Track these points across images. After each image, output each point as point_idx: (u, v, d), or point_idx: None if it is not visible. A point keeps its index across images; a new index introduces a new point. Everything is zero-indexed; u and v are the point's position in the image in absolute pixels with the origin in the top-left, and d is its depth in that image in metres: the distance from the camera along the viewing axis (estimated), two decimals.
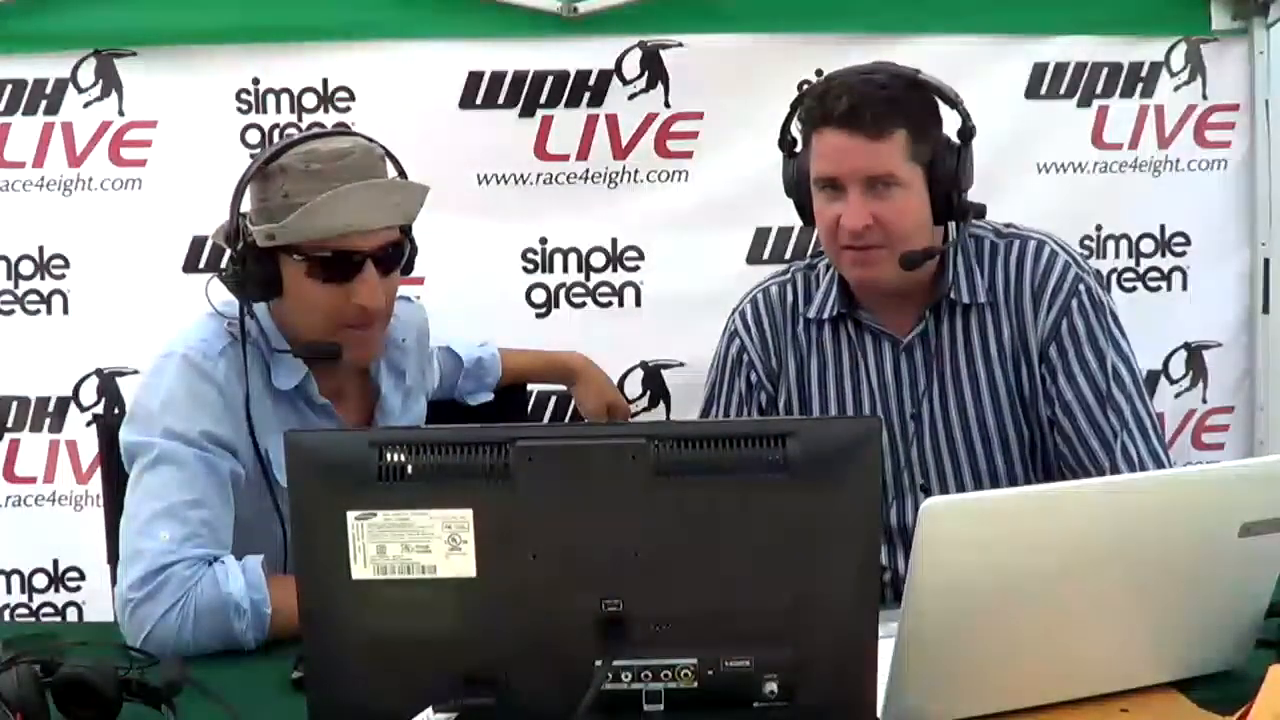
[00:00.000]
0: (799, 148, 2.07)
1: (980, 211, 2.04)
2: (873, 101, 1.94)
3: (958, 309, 2.08)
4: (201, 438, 1.85)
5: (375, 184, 1.89)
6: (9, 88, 2.92)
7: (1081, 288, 2.05)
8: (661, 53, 2.97)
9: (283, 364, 1.96)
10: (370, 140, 1.96)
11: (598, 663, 1.34)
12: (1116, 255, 3.08)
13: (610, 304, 3.06)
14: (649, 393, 3.06)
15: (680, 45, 2.97)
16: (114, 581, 1.89)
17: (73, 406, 2.98)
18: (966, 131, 2.01)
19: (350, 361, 1.99)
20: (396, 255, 1.94)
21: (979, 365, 2.08)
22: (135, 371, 2.91)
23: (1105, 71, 3.01)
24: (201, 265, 2.95)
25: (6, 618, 3.00)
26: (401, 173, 2.01)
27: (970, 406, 2.09)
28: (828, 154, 1.98)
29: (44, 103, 2.93)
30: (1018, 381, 2.07)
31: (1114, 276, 3.05)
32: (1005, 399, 2.08)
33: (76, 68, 2.92)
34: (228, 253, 1.92)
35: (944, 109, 2.04)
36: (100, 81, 2.92)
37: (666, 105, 2.99)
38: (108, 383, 2.98)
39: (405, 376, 2.14)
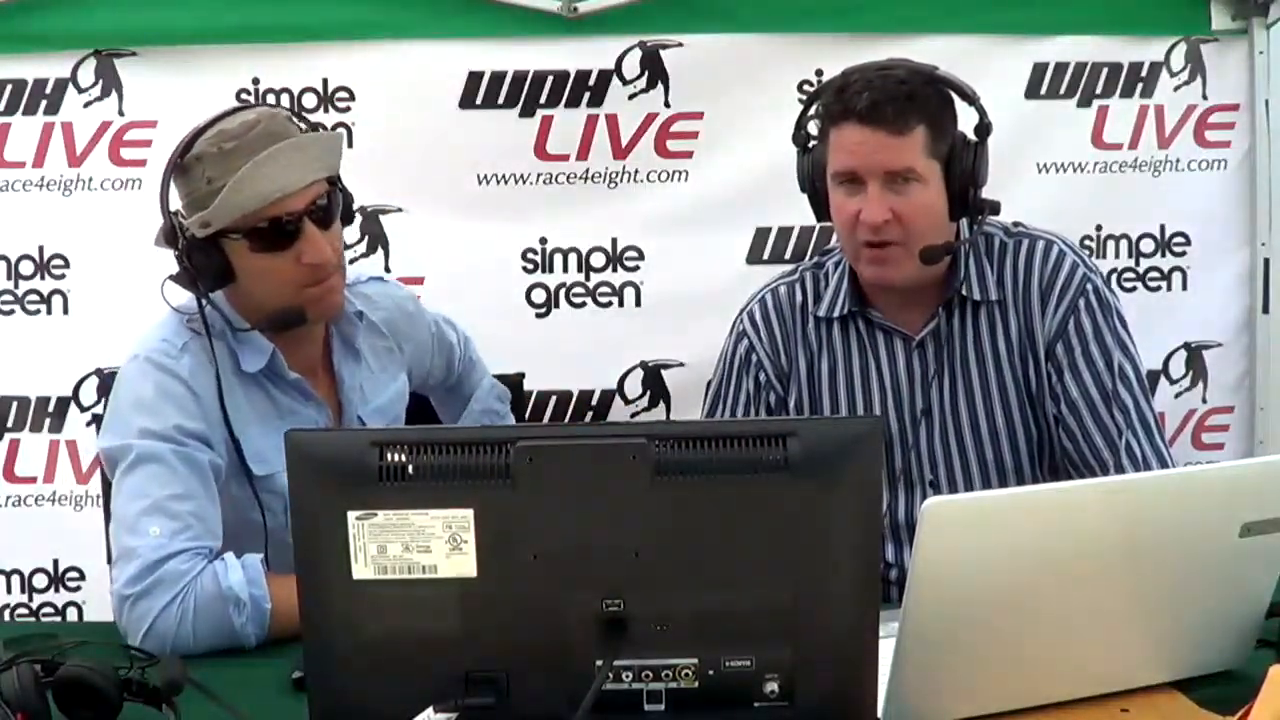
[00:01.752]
0: (813, 143, 2.07)
1: (995, 208, 2.04)
2: (894, 97, 1.94)
3: (968, 306, 2.08)
4: (176, 432, 1.86)
5: (289, 144, 1.89)
6: (9, 88, 2.93)
7: (1089, 287, 2.06)
8: (661, 53, 2.98)
9: (249, 347, 1.97)
10: (274, 106, 1.96)
11: (598, 663, 1.34)
12: (1116, 255, 3.08)
13: (610, 304, 3.06)
14: (649, 393, 3.06)
15: (680, 45, 2.97)
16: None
17: (73, 406, 2.98)
18: (983, 128, 2.02)
19: (316, 319, 1.99)
20: (331, 207, 1.95)
21: (988, 362, 2.09)
22: None
23: (1105, 71, 3.02)
24: None
25: (6, 618, 3.00)
26: (312, 129, 2.01)
27: (979, 403, 2.10)
28: (848, 149, 1.98)
29: (44, 103, 2.93)
30: (1025, 378, 2.08)
31: (1114, 276, 3.06)
32: (1014, 396, 2.09)
33: (76, 68, 2.92)
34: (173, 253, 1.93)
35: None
36: (100, 81, 2.93)
37: (666, 105, 2.99)
38: (108, 383, 2.96)
39: (360, 353, 2.12)
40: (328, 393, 2.07)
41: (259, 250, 1.89)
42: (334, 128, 2.92)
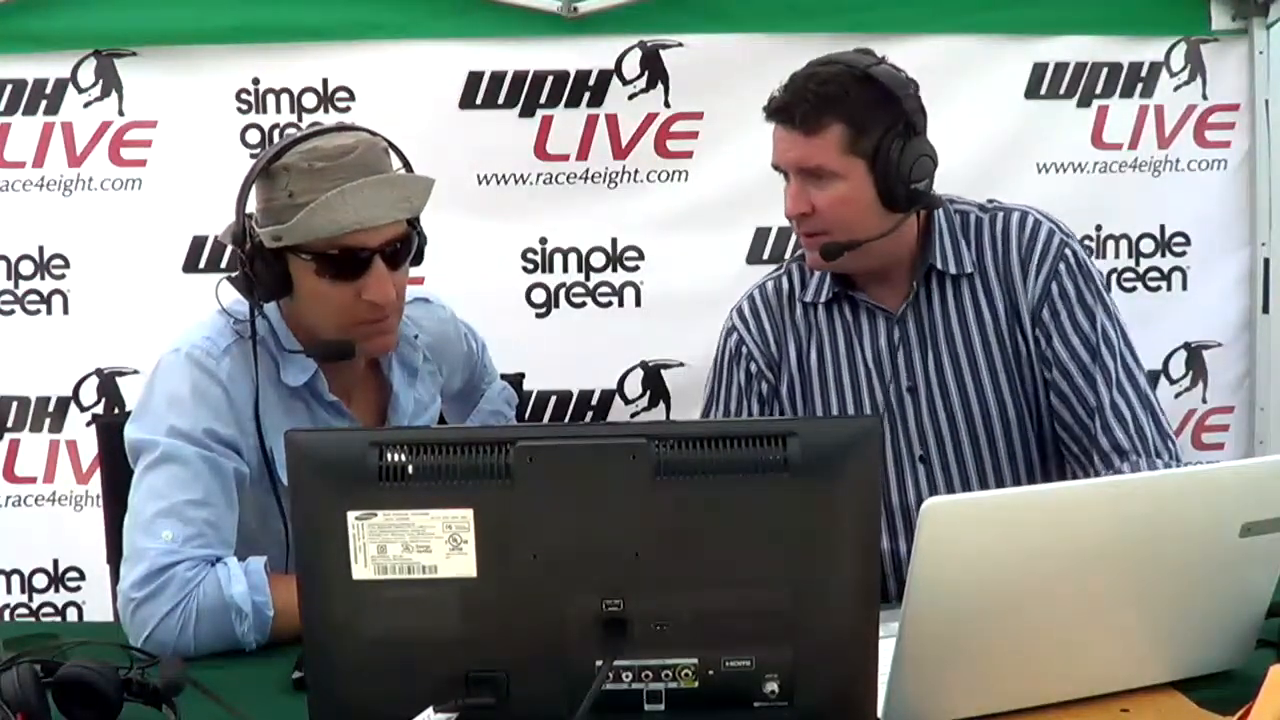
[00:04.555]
0: None
1: (936, 203, 2.07)
2: (804, 99, 2.00)
3: (946, 280, 2.12)
4: (205, 436, 1.85)
5: (380, 179, 1.88)
6: (9, 88, 2.93)
7: (1068, 251, 2.09)
8: (661, 53, 2.98)
9: (292, 361, 1.96)
10: (374, 134, 1.95)
11: (598, 663, 1.34)
12: (1116, 255, 3.08)
13: (610, 304, 3.06)
14: (649, 393, 3.06)
15: (680, 45, 2.98)
16: (115, 580, 1.89)
17: (73, 406, 2.99)
18: (910, 125, 2.02)
19: (366, 353, 1.98)
20: (405, 249, 1.93)
21: (973, 334, 2.12)
22: (135, 371, 2.91)
23: (1105, 71, 3.02)
24: (201, 265, 2.95)
25: (6, 618, 3.00)
26: (406, 164, 1.98)
27: (967, 375, 2.12)
28: (774, 145, 2.06)
29: (44, 103, 2.93)
30: (1013, 347, 2.11)
31: (1114, 276, 3.06)
32: (1000, 366, 2.11)
33: (76, 68, 2.92)
34: (229, 250, 1.91)
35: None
36: (100, 81, 2.93)
37: (666, 105, 3.00)
38: (108, 383, 2.98)
39: (417, 375, 2.13)
40: (364, 412, 2.06)
41: (324, 275, 1.87)
42: (336, 124, 2.92)
